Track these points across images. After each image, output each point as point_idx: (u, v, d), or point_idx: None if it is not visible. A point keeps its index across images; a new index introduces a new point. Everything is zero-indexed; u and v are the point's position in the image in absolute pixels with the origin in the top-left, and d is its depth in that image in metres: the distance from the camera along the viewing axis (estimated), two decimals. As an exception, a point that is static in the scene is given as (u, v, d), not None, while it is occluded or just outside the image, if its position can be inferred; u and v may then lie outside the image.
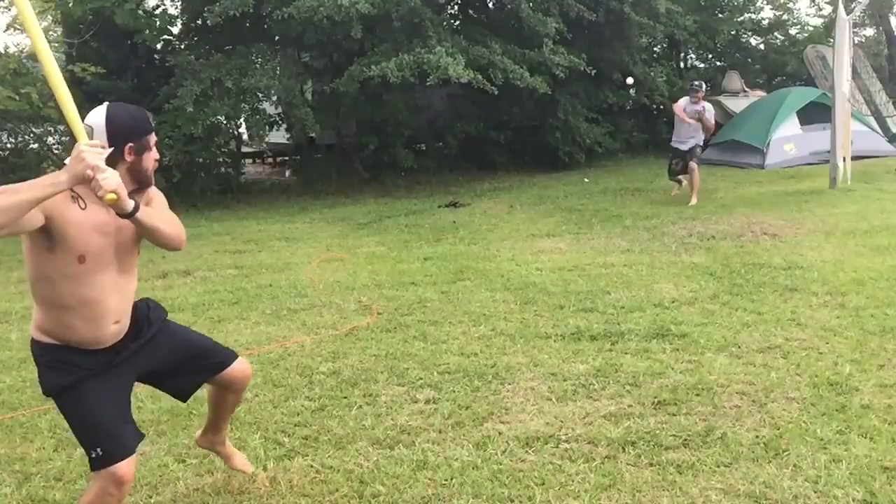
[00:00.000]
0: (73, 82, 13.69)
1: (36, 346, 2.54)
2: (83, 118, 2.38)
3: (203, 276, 7.21)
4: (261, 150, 18.42)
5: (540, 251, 7.65)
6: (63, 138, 14.65)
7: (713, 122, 10.53)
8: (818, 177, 11.51)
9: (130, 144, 2.44)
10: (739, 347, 4.52)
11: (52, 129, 14.26)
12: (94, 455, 2.47)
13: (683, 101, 10.33)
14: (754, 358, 4.34)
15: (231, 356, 2.90)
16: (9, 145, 14.07)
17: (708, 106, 10.39)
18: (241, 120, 14.25)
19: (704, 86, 10.68)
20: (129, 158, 2.45)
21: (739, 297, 5.56)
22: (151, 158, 2.52)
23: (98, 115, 2.42)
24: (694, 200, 10.10)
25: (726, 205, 9.85)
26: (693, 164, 10.23)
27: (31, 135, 14.11)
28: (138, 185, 2.51)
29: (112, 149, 2.37)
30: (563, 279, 6.39)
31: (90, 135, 2.38)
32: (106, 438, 2.48)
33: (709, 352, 4.47)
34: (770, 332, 4.74)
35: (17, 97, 11.71)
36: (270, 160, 19.26)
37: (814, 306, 5.23)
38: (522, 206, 11.04)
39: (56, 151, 14.43)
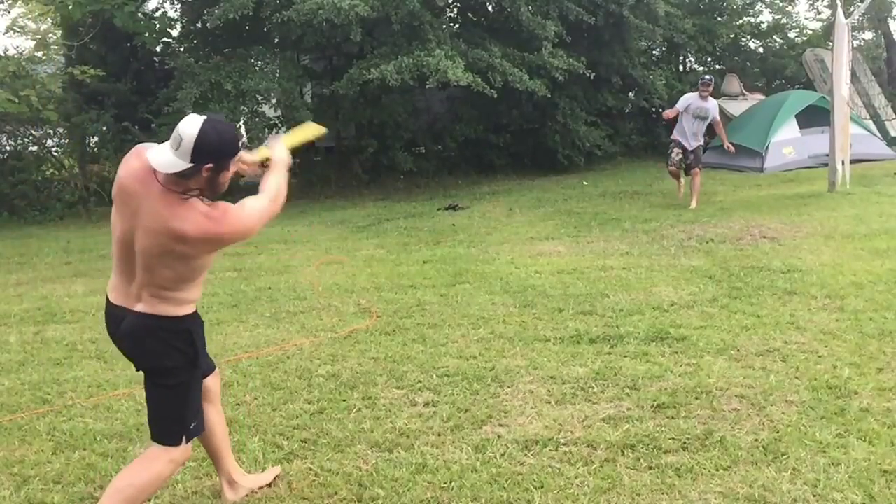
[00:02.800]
0: (73, 84, 13.75)
1: (194, 321, 2.76)
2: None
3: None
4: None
5: (539, 254, 7.65)
6: (62, 141, 14.67)
7: (718, 117, 10.47)
8: (817, 180, 11.52)
9: (210, 165, 2.48)
10: (738, 351, 4.52)
11: (51, 132, 14.29)
12: (192, 427, 2.76)
13: (692, 97, 10.27)
14: (753, 361, 4.34)
15: (213, 366, 3.11)
16: (8, 148, 14.08)
17: (714, 103, 10.36)
18: (241, 122, 14.27)
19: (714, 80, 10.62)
20: (204, 174, 2.50)
21: (738, 300, 5.56)
22: (228, 175, 2.59)
23: (192, 127, 2.45)
24: (693, 204, 10.09)
25: (725, 208, 9.85)
26: (696, 170, 10.20)
27: (31, 137, 14.13)
28: (206, 195, 2.56)
29: (192, 165, 2.44)
30: (562, 282, 6.39)
31: (177, 143, 2.44)
32: (202, 415, 2.83)
33: (708, 355, 4.47)
34: (769, 336, 4.74)
35: (16, 100, 11.73)
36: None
37: (813, 310, 5.23)
38: (521, 209, 11.04)
39: (55, 154, 14.45)
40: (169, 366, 2.67)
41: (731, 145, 10.70)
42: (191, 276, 2.66)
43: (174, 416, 2.72)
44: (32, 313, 6.31)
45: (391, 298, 6.17)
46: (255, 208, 2.65)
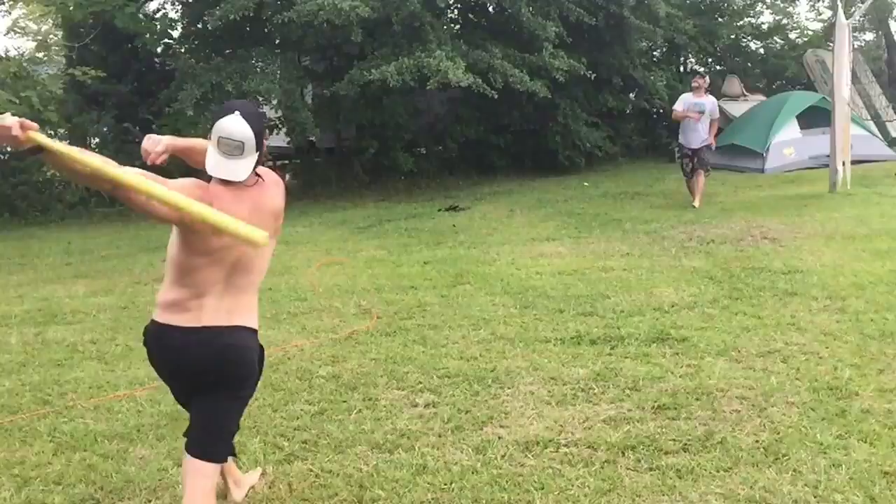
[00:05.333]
0: (74, 85, 13.74)
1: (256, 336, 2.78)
2: None
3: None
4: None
5: (540, 255, 7.64)
6: (63, 142, 14.66)
7: (718, 115, 10.45)
8: (818, 181, 11.51)
9: (265, 140, 2.64)
10: (739, 352, 4.51)
11: (52, 133, 14.29)
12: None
13: (687, 95, 10.29)
14: (754, 362, 4.34)
15: None
16: (9, 149, 14.06)
17: (712, 100, 10.35)
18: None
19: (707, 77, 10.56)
20: (263, 149, 2.63)
21: (739, 301, 5.56)
22: None
23: (243, 127, 2.53)
24: (696, 203, 10.07)
25: (726, 209, 9.84)
26: (700, 170, 10.17)
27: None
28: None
29: (258, 152, 2.58)
30: (562, 283, 6.38)
31: (241, 149, 2.54)
32: None
33: (709, 356, 4.46)
34: (770, 337, 4.74)
35: (17, 101, 11.72)
36: (270, 164, 19.25)
37: (814, 311, 5.23)
38: (522, 209, 11.04)
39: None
40: (248, 375, 2.73)
41: (714, 142, 10.56)
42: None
43: (233, 429, 2.75)
44: (33, 314, 6.32)
45: (392, 299, 6.17)
46: None
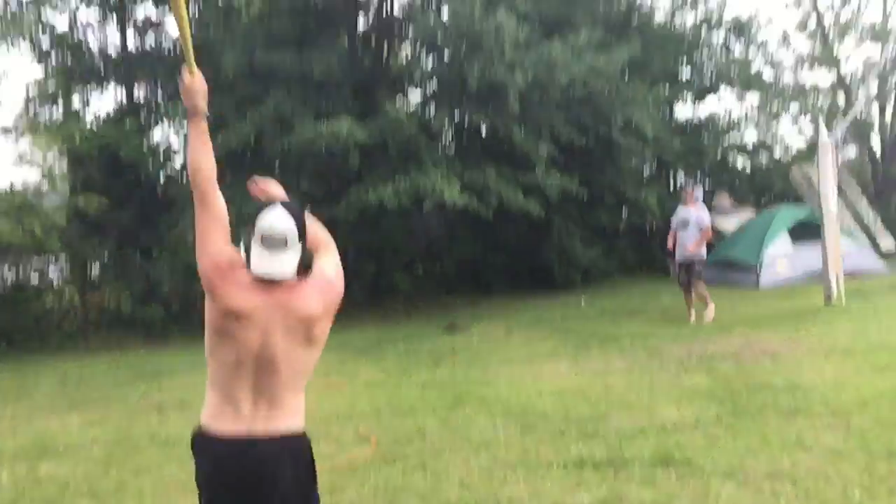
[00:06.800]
0: (77, 212, 13.99)
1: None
2: None
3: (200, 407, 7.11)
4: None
5: (539, 374, 7.59)
6: (63, 266, 14.77)
7: (709, 224, 10.62)
8: (812, 294, 11.56)
9: (308, 232, 2.53)
10: (746, 473, 4.43)
11: (52, 258, 14.40)
12: None
13: (678, 210, 10.62)
14: (762, 484, 4.25)
15: None
16: (10, 280, 14.13)
17: (699, 211, 10.55)
18: (241, 247, 14.46)
19: (696, 190, 10.88)
20: (308, 244, 2.54)
21: (743, 419, 5.49)
22: None
23: (286, 220, 2.46)
24: (709, 313, 10.07)
25: (724, 324, 9.84)
26: (692, 281, 10.27)
27: (32, 267, 14.22)
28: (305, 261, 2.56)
29: (302, 244, 2.48)
30: (563, 403, 6.31)
31: (285, 242, 2.44)
32: None
33: (715, 478, 4.37)
34: (776, 457, 4.66)
35: (20, 231, 11.89)
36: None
37: (818, 428, 5.16)
38: (520, 328, 11.04)
39: (55, 285, 14.50)
40: (315, 489, 2.57)
41: (694, 249, 10.40)
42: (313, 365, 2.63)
43: None
44: (26, 448, 6.17)
45: (391, 424, 6.08)
46: (335, 254, 2.78)
